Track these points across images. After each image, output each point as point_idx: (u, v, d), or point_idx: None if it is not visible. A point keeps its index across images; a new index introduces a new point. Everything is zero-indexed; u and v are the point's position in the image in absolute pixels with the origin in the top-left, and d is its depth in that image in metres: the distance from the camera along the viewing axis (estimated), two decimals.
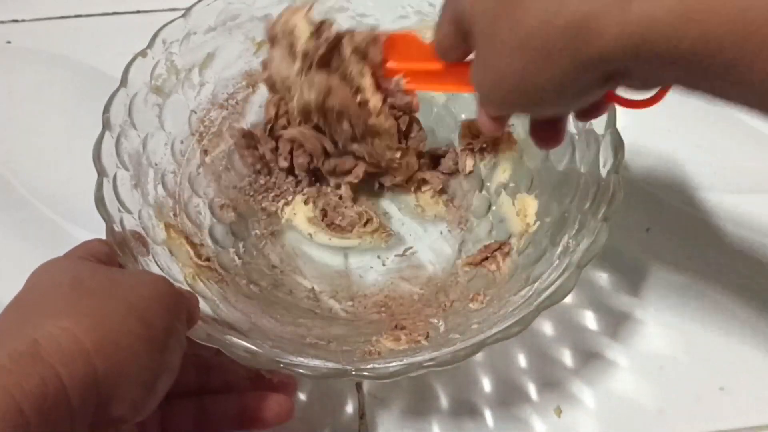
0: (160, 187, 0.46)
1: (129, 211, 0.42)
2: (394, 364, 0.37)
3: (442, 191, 0.53)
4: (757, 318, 0.48)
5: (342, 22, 0.52)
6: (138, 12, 0.64)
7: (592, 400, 0.45)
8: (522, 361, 0.46)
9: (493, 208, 0.50)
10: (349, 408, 0.45)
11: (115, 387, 0.28)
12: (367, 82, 0.43)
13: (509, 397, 0.45)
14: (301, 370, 0.36)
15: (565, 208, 0.44)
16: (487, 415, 0.44)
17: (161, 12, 0.63)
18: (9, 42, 0.62)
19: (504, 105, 0.32)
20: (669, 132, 0.56)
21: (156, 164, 0.46)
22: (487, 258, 0.47)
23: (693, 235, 0.52)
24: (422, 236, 0.51)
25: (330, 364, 0.38)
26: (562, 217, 0.44)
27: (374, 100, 0.44)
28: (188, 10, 0.48)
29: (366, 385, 0.45)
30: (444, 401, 0.45)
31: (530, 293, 0.40)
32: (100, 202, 0.40)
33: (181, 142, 0.49)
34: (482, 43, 0.30)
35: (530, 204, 0.47)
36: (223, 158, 0.51)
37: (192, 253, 0.45)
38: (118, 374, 0.28)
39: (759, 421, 0.44)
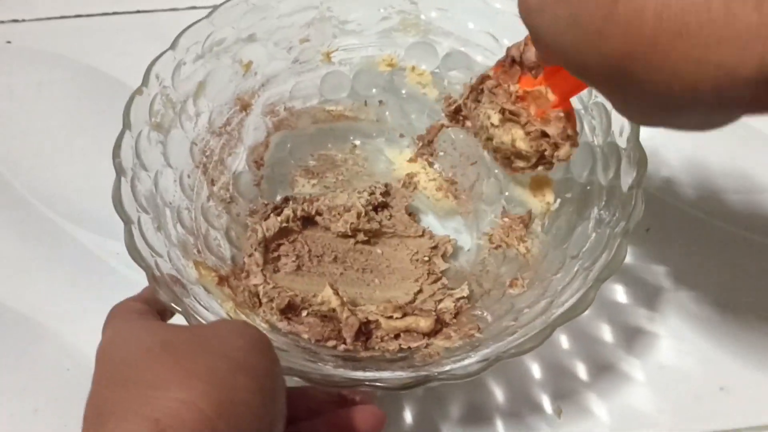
0: (179, 226, 0.45)
1: (159, 255, 0.41)
2: (468, 361, 0.37)
3: (450, 184, 0.53)
4: (757, 318, 0.48)
5: (325, 32, 0.52)
6: (138, 12, 0.64)
7: (594, 399, 0.45)
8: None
9: (506, 193, 0.51)
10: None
11: None
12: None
13: (513, 403, 0.45)
14: (380, 384, 0.36)
15: (586, 181, 0.45)
16: (498, 423, 0.44)
17: (161, 12, 0.63)
18: (9, 42, 0.62)
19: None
20: (669, 132, 0.55)
21: (170, 203, 0.45)
22: (512, 229, 0.48)
23: (693, 235, 0.52)
24: (440, 233, 0.52)
25: (402, 374, 0.38)
26: (584, 190, 0.45)
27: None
28: (175, 41, 0.46)
29: None
30: (446, 406, 0.45)
31: (576, 269, 0.41)
32: (134, 251, 0.38)
33: (188, 176, 0.47)
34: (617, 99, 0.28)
35: (546, 183, 0.48)
36: (229, 185, 0.50)
37: (225, 287, 0.44)
38: None
39: (759, 421, 0.44)
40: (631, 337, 0.47)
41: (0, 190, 0.54)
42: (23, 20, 0.63)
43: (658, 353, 0.47)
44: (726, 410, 0.45)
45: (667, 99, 0.24)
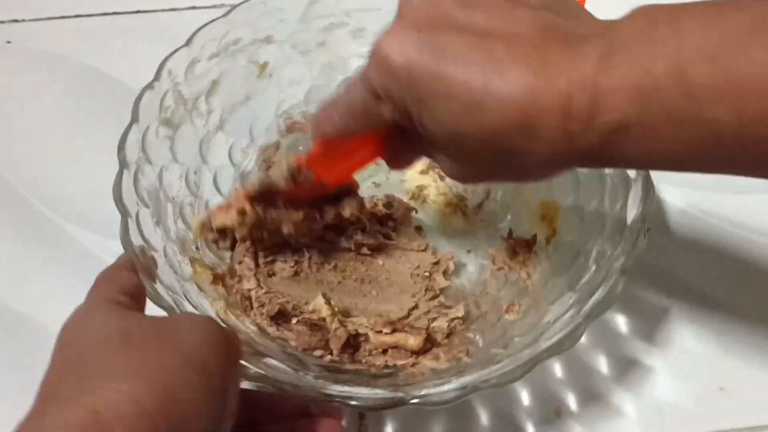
0: (179, 221, 0.45)
1: (155, 250, 0.41)
2: (447, 387, 0.36)
3: (460, 200, 0.52)
4: (757, 318, 0.47)
5: (341, 38, 0.52)
6: (138, 12, 0.64)
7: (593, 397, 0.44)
8: None
9: (509, 217, 0.50)
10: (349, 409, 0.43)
11: None
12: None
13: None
14: (353, 402, 0.35)
15: (594, 210, 0.44)
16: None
17: (161, 12, 0.63)
18: (9, 42, 0.62)
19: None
20: None
21: (173, 198, 0.45)
22: (516, 252, 0.47)
23: (693, 235, 0.51)
24: (445, 249, 0.51)
25: (379, 392, 0.37)
26: (591, 219, 0.44)
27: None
28: (190, 38, 0.47)
29: None
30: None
31: (572, 301, 0.40)
32: (128, 244, 0.39)
33: (195, 173, 0.48)
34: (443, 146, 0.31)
35: (554, 208, 0.47)
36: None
37: (220, 286, 0.44)
38: (183, 431, 0.27)
39: (759, 421, 0.44)
40: (625, 340, 0.47)
41: (0, 190, 0.54)
42: (23, 20, 0.63)
43: (656, 350, 0.46)
44: (726, 410, 0.44)
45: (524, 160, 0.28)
